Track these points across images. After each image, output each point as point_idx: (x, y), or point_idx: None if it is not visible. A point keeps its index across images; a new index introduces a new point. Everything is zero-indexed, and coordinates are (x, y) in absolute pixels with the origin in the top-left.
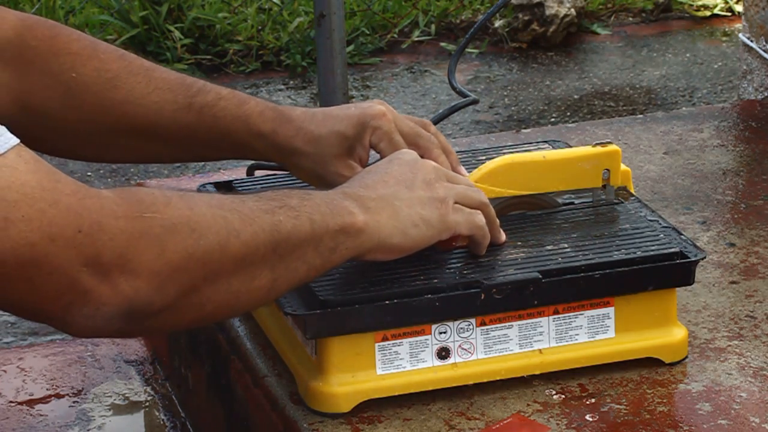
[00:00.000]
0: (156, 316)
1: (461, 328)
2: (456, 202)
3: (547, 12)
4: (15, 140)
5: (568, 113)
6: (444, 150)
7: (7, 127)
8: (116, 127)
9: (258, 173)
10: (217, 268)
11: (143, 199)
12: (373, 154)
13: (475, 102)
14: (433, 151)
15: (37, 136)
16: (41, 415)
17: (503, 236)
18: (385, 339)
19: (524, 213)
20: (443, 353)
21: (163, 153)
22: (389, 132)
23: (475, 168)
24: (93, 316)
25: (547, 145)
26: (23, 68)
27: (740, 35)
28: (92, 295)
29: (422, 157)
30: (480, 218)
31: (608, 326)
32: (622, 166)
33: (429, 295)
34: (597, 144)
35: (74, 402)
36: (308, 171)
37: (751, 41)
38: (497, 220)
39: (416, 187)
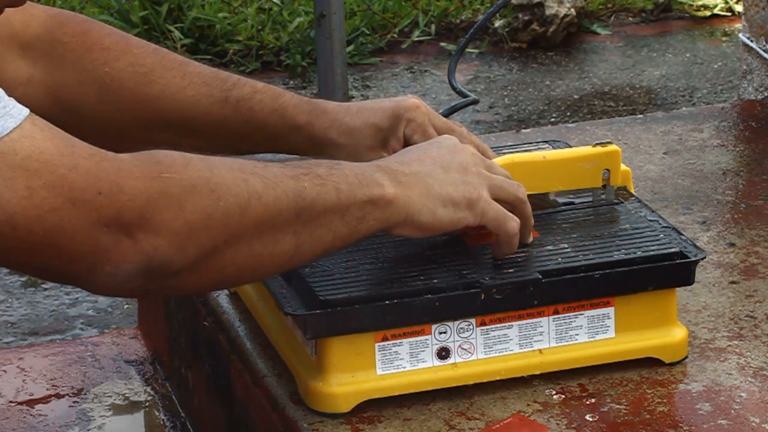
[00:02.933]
0: (176, 276)
1: (461, 328)
2: (491, 192)
3: (547, 12)
4: (26, 110)
5: (568, 113)
6: (477, 147)
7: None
8: (151, 122)
9: None
10: (238, 230)
11: (161, 160)
12: None
13: (475, 102)
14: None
15: (71, 132)
16: (41, 415)
17: (531, 237)
18: (385, 339)
19: None
20: (443, 353)
21: (197, 147)
22: (423, 124)
23: None
24: (114, 274)
25: (547, 145)
26: (55, 64)
27: (740, 35)
28: (113, 254)
29: None
30: (512, 225)
31: (608, 326)
32: (622, 166)
33: (429, 295)
34: (597, 144)
35: (74, 402)
36: None
37: (751, 41)
38: (531, 220)
39: (452, 170)
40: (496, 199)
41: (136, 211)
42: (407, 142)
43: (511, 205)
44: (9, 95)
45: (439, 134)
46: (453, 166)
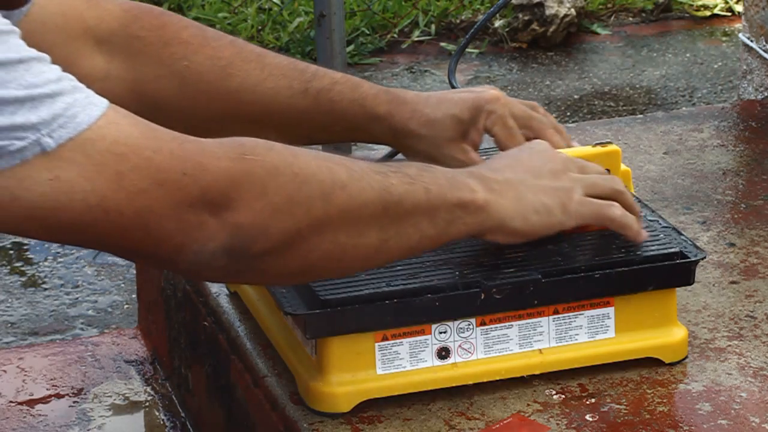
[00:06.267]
0: (261, 257)
1: (461, 328)
2: (586, 191)
3: (547, 12)
4: (106, 100)
5: (568, 113)
6: (556, 129)
7: None
8: (230, 115)
9: None
10: (322, 217)
11: (244, 143)
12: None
13: None
14: (546, 131)
15: None
16: (41, 415)
17: (640, 225)
18: (385, 339)
19: None
20: (443, 353)
21: (278, 140)
22: (503, 116)
23: None
24: (200, 253)
25: None
26: (133, 59)
27: (740, 35)
28: (199, 233)
29: (535, 137)
30: (612, 210)
31: (608, 326)
32: (622, 166)
33: (429, 295)
34: (597, 144)
35: (74, 402)
36: (422, 153)
37: (751, 41)
38: (636, 206)
39: (543, 176)
40: (593, 197)
41: (220, 190)
42: (487, 133)
43: (609, 199)
44: None
45: (518, 122)
46: (544, 172)
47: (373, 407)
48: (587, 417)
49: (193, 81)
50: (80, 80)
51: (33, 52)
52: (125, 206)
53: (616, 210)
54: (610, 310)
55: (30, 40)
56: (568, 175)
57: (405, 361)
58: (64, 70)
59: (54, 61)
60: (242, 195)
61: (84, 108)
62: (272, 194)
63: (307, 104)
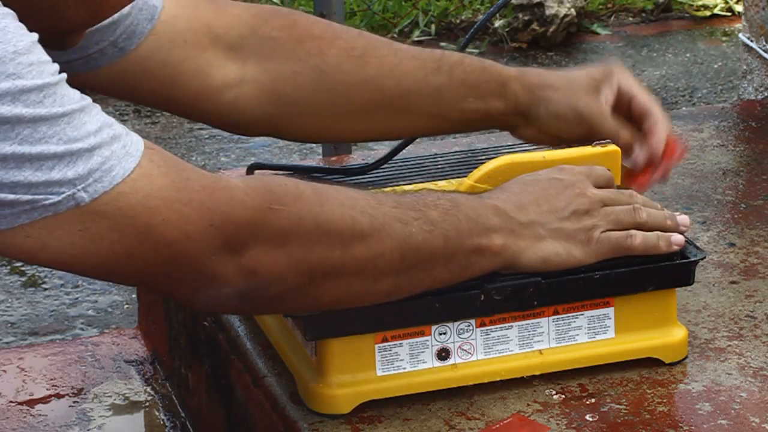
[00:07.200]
0: (273, 300)
1: (461, 329)
2: (610, 227)
3: (547, 12)
4: (142, 144)
5: None
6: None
7: (255, 122)
8: (369, 103)
9: (258, 173)
10: (338, 266)
11: (274, 190)
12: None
13: None
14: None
15: (286, 125)
16: (41, 415)
17: (676, 240)
18: (384, 340)
19: None
20: (443, 354)
21: (410, 128)
22: (634, 79)
23: (475, 168)
24: (215, 296)
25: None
26: (267, 60)
27: (740, 35)
28: (217, 279)
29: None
30: (631, 242)
31: (608, 326)
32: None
33: (429, 296)
34: (597, 144)
35: (74, 402)
36: (561, 105)
37: (751, 41)
38: (666, 221)
39: (567, 218)
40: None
41: (242, 240)
42: (620, 90)
43: (634, 228)
44: (221, 98)
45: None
46: (567, 212)
47: (373, 407)
48: (587, 417)
49: (331, 73)
50: (214, 89)
51: (76, 103)
52: (151, 256)
53: (635, 240)
54: (609, 311)
55: (158, 57)
56: (591, 216)
57: (405, 363)
58: (197, 82)
59: (186, 73)
60: (262, 244)
61: (120, 160)
62: (292, 245)
63: (442, 80)
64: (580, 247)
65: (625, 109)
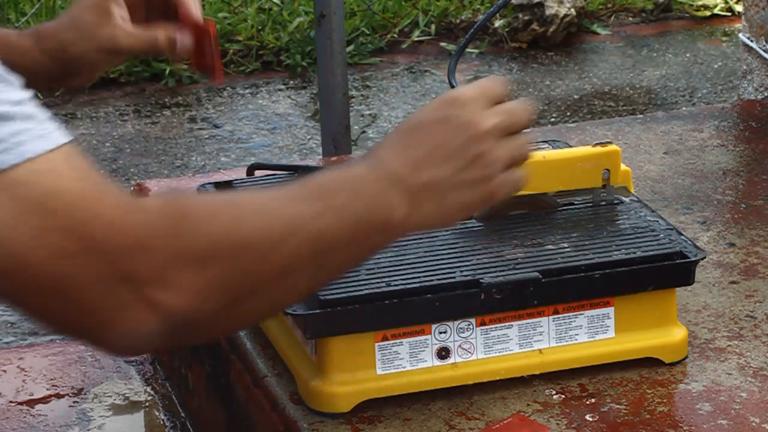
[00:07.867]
0: (197, 329)
1: (461, 328)
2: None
3: (547, 12)
4: (64, 140)
5: (568, 113)
6: None
7: None
8: None
9: (258, 173)
10: (259, 281)
11: (187, 213)
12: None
13: None
14: None
15: None
16: (41, 415)
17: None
18: (384, 339)
19: (524, 213)
20: (443, 353)
21: None
22: None
23: None
24: (132, 336)
25: (547, 145)
26: None
27: (740, 35)
28: (129, 314)
29: None
30: (522, 181)
31: (608, 326)
32: (622, 166)
33: (429, 295)
34: (597, 144)
35: (74, 402)
36: (85, 51)
37: (751, 41)
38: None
39: (465, 168)
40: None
41: (155, 269)
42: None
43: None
44: None
45: None
46: (466, 158)
47: (373, 407)
48: (587, 417)
49: None
50: None
51: (5, 75)
52: (46, 265)
53: (521, 174)
54: (609, 310)
55: None
56: (491, 155)
57: (405, 361)
58: None
59: None
60: (178, 274)
61: (33, 140)
62: (211, 271)
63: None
64: (481, 200)
65: (162, 3)
